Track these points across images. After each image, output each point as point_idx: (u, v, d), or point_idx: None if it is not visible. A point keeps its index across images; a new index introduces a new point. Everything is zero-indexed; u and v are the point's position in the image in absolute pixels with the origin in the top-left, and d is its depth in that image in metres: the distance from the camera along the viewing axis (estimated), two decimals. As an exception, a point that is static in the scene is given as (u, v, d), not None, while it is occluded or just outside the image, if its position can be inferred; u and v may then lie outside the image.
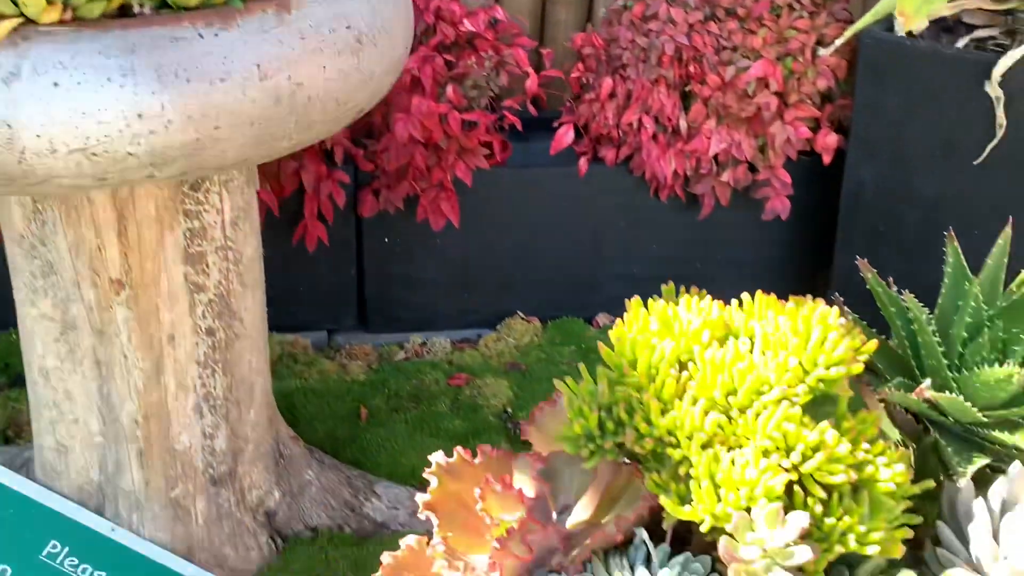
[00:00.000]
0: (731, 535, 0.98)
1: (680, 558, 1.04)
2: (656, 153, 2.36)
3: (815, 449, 1.01)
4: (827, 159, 2.41)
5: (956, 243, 1.21)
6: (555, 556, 1.06)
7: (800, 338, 1.04)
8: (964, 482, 1.06)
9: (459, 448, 1.19)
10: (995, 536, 1.07)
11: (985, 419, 1.13)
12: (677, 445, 1.02)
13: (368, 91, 1.35)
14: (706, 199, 2.43)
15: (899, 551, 1.04)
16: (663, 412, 1.04)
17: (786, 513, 1.01)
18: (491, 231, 2.50)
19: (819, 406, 1.07)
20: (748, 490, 0.97)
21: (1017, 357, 1.14)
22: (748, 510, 0.98)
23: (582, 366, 1.10)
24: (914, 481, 1.12)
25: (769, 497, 0.97)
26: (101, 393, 1.63)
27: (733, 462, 0.99)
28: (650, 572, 1.03)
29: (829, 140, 2.38)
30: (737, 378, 1.03)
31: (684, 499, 1.01)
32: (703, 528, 0.98)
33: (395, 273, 2.50)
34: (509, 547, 1.03)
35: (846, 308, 1.21)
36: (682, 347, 1.08)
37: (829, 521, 1.01)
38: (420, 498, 1.16)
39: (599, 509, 1.13)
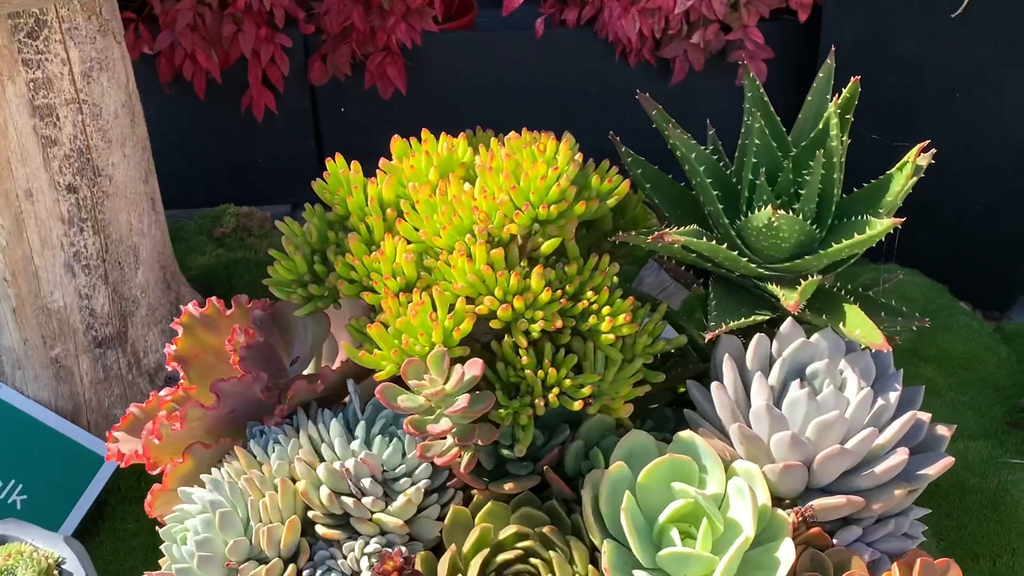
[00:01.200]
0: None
1: (388, 413, 0.96)
2: (618, 12, 2.21)
3: (517, 294, 0.91)
4: (803, 16, 2.22)
5: (752, 73, 1.07)
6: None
7: (515, 174, 0.93)
8: (710, 338, 0.95)
9: (213, 298, 1.13)
10: (746, 395, 0.96)
11: (763, 271, 1.01)
12: (377, 290, 0.94)
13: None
14: (677, 63, 2.27)
15: (623, 411, 0.94)
16: (370, 254, 0.96)
17: (491, 366, 0.92)
18: (452, 100, 2.40)
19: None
20: (427, 336, 0.89)
21: (807, 203, 1.01)
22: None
23: (308, 205, 1.02)
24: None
25: (449, 343, 0.89)
26: (-26, 250, 1.63)
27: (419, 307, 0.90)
28: (348, 427, 0.96)
29: (804, -5, 2.18)
30: (443, 217, 0.93)
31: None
32: (380, 376, 0.90)
33: (355, 145, 2.43)
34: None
35: (627, 149, 1.09)
36: (408, 187, 0.99)
37: (530, 373, 0.92)
38: (168, 349, 1.11)
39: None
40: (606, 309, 0.93)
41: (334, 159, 1.00)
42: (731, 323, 0.97)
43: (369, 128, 2.43)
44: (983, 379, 1.95)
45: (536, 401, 0.91)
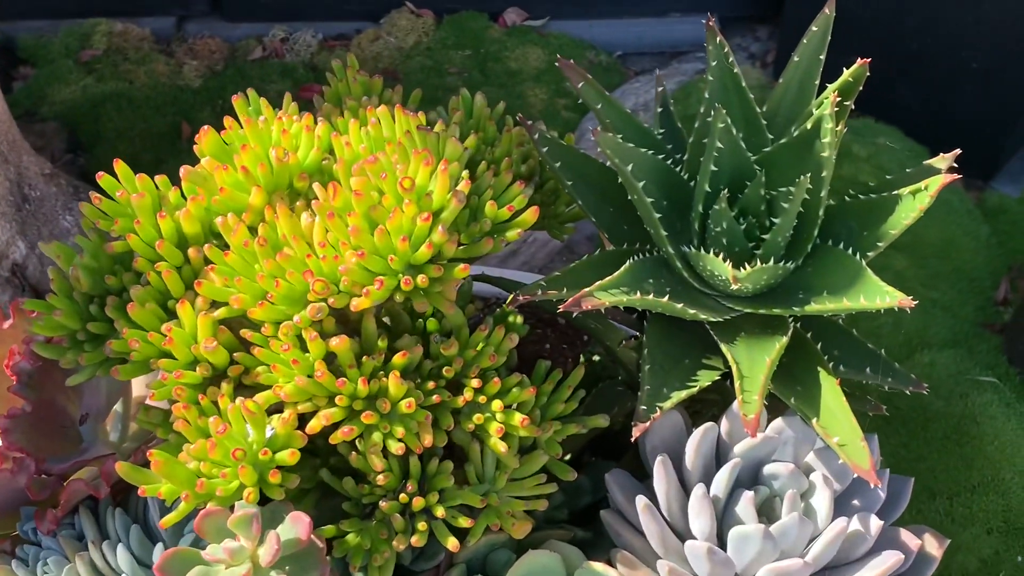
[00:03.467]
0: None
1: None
2: None
3: (368, 407, 0.65)
4: None
5: (720, 39, 0.76)
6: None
7: (369, 219, 0.64)
8: (636, 432, 0.69)
9: (-14, 304, 0.84)
10: (684, 505, 0.72)
11: (716, 319, 0.74)
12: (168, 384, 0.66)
13: None
14: None
15: (517, 531, 0.70)
16: (164, 319, 0.68)
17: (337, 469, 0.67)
18: None
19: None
20: (233, 472, 0.62)
21: (779, 231, 0.73)
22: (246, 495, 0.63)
23: (85, 220, 0.71)
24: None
25: (266, 479, 0.63)
26: None
27: (222, 418, 0.63)
28: (150, 537, 0.71)
29: None
30: (265, 281, 0.65)
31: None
32: (168, 520, 0.64)
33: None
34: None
35: (544, 133, 0.78)
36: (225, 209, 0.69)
37: (387, 504, 0.67)
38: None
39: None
40: (496, 405, 0.67)
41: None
42: (671, 397, 0.72)
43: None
44: (958, 269, 1.73)
45: (394, 543, 0.66)
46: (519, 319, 0.74)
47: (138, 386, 0.88)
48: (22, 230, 1.56)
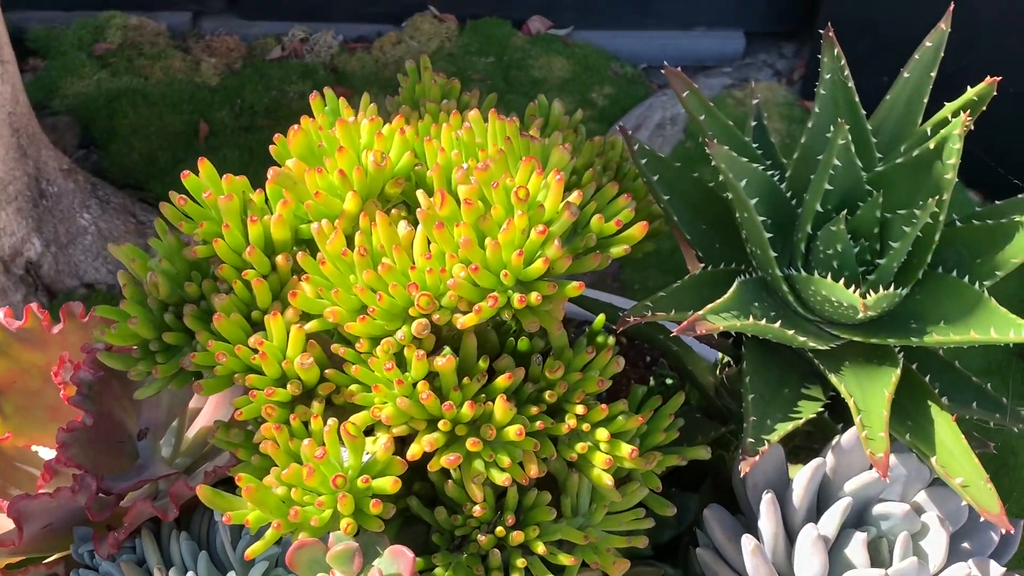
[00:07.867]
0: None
1: (274, 549, 0.66)
2: None
3: (472, 432, 0.60)
4: None
5: (837, 50, 0.72)
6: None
7: (478, 231, 0.59)
8: (744, 468, 0.64)
9: (34, 305, 0.79)
10: (789, 547, 0.68)
11: (822, 347, 0.70)
12: (257, 402, 0.61)
13: None
14: None
15: (615, 570, 0.66)
16: (248, 330, 0.63)
17: (424, 495, 0.62)
18: None
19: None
20: (330, 500, 0.57)
21: (895, 255, 0.69)
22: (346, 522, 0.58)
23: (159, 223, 0.66)
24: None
25: (364, 510, 0.58)
26: None
27: (317, 442, 0.58)
28: (217, 566, 0.66)
29: None
30: (365, 293, 0.60)
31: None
32: (254, 550, 0.59)
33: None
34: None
35: (643, 146, 0.74)
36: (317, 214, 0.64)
37: (485, 538, 0.62)
38: (-31, 377, 0.78)
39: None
40: (602, 434, 0.63)
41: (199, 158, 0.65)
42: (776, 429, 0.68)
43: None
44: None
45: (492, 578, 0.62)
46: (611, 340, 0.69)
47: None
48: (38, 227, 1.50)
